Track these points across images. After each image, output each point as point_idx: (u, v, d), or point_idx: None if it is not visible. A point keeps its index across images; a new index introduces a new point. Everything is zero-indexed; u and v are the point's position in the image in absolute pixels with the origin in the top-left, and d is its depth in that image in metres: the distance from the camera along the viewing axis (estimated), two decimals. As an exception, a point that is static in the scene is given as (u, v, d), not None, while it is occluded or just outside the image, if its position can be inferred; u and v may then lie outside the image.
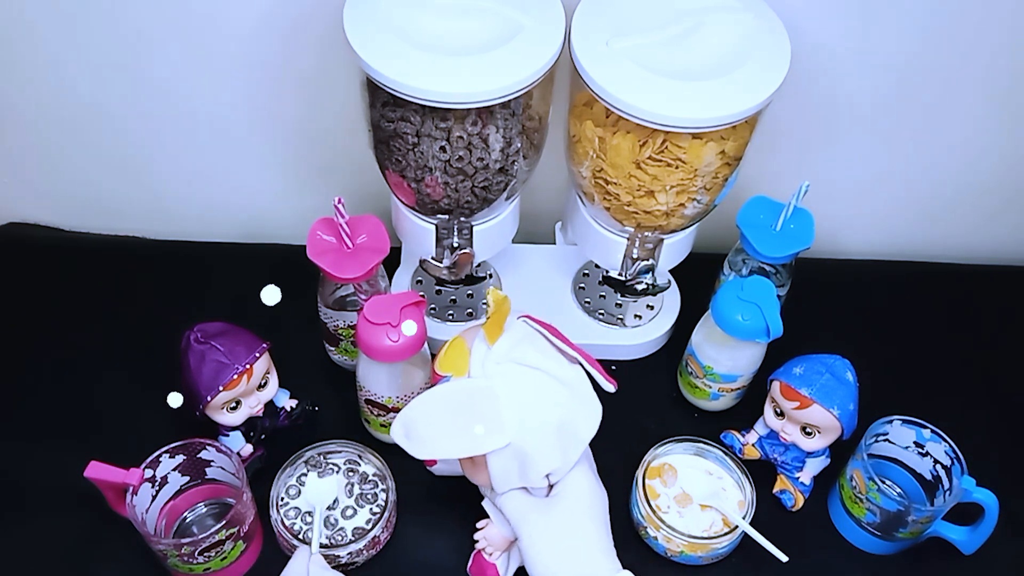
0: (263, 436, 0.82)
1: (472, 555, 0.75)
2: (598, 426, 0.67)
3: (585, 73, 0.70)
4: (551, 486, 0.69)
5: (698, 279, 0.95)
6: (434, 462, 0.76)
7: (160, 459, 0.74)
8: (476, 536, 0.73)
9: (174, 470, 0.76)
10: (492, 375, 0.66)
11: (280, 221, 1.02)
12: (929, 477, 0.81)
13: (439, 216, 0.80)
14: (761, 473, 0.83)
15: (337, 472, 0.78)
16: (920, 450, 0.80)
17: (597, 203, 0.80)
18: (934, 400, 0.85)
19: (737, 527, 0.76)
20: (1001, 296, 1.02)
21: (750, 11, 0.74)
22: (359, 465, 0.81)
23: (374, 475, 0.80)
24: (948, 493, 0.77)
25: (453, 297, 0.96)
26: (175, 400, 0.74)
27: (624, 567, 0.78)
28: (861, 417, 0.79)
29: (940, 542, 0.80)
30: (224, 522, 0.70)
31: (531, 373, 0.66)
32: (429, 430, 0.65)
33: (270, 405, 0.80)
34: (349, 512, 0.78)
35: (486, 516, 0.72)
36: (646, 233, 0.81)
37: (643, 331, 0.94)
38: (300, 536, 0.76)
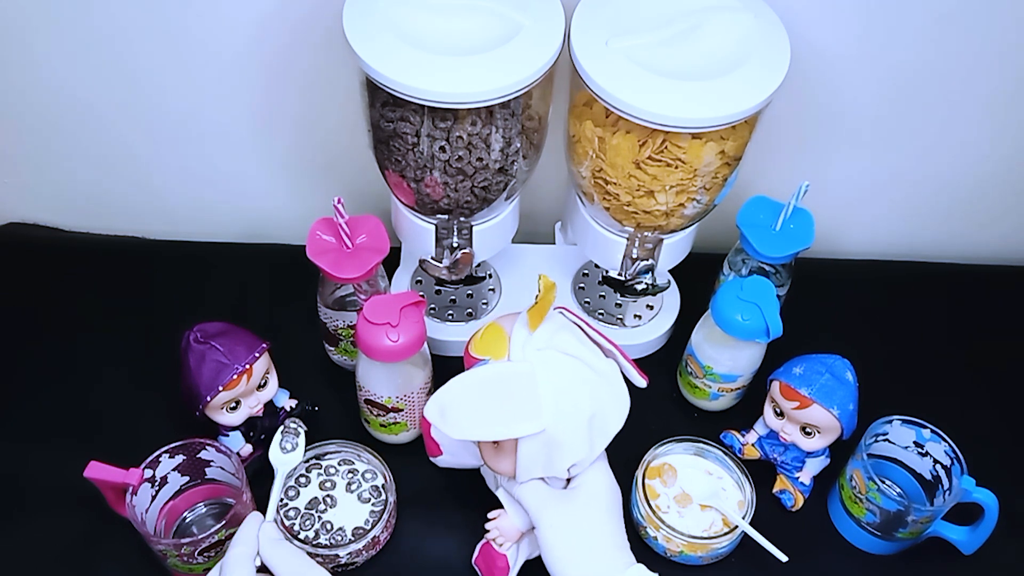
0: (263, 436, 0.82)
1: (479, 546, 0.75)
2: (625, 419, 0.68)
3: (585, 73, 0.70)
4: (569, 479, 0.69)
5: (698, 279, 0.95)
6: (439, 453, 0.76)
7: (160, 459, 0.73)
8: (488, 526, 0.73)
9: (174, 470, 0.75)
10: (533, 360, 0.65)
11: (280, 221, 1.02)
12: (929, 477, 0.81)
13: (439, 216, 0.80)
14: (761, 473, 0.83)
15: (294, 445, 0.74)
16: (920, 450, 0.80)
17: (597, 203, 0.80)
18: (934, 400, 0.85)
19: (737, 527, 0.76)
20: (1001, 296, 1.02)
21: (750, 11, 0.74)
22: (358, 465, 0.81)
23: (374, 475, 0.80)
24: (948, 493, 0.77)
25: (453, 297, 0.96)
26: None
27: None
28: (861, 417, 0.79)
29: (940, 542, 0.80)
30: (224, 522, 0.70)
31: (570, 362, 0.66)
32: (465, 411, 0.65)
33: (270, 405, 0.80)
34: (349, 512, 0.78)
35: (489, 511, 0.72)
36: (646, 233, 0.81)
37: (643, 331, 0.94)
38: (300, 537, 0.76)
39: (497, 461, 0.68)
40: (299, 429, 0.74)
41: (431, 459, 0.78)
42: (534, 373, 0.65)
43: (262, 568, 0.66)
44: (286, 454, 0.73)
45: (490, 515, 0.72)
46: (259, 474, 0.81)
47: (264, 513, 0.68)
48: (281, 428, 0.74)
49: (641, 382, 0.69)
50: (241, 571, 0.63)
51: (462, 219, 0.80)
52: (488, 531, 0.73)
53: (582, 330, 0.69)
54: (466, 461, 0.76)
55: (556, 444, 0.65)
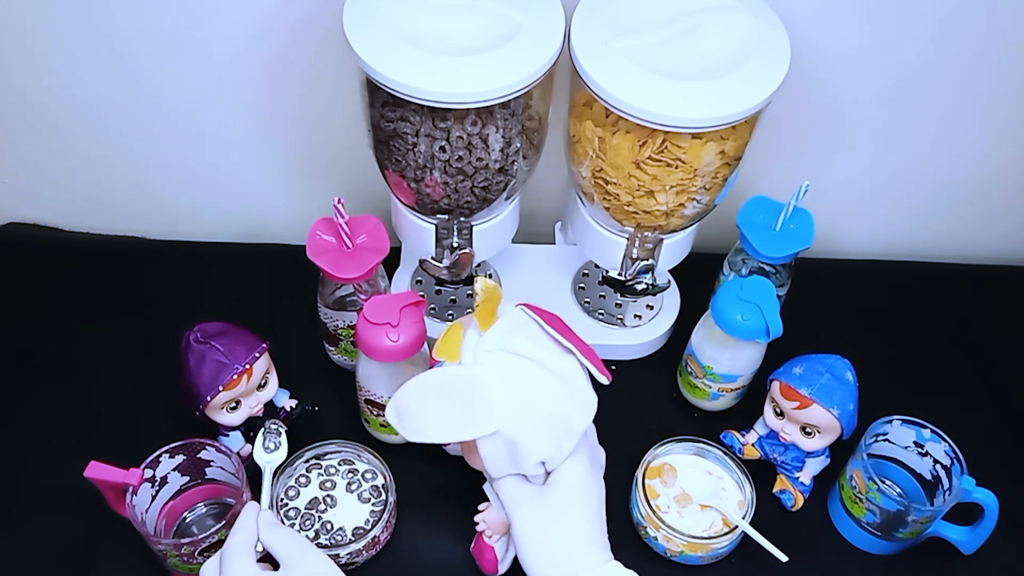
0: (263, 436, 0.82)
1: (475, 536, 0.75)
2: (592, 417, 0.67)
3: (585, 73, 0.70)
4: (548, 474, 0.69)
5: (698, 279, 0.95)
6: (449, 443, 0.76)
7: (160, 459, 0.74)
8: (476, 519, 0.73)
9: (174, 470, 0.76)
10: (482, 362, 0.66)
11: (280, 221, 1.02)
12: (929, 477, 0.81)
13: (439, 216, 0.80)
14: (761, 473, 0.83)
15: (277, 442, 0.76)
16: (920, 450, 0.80)
17: (597, 203, 0.80)
18: (934, 400, 0.85)
19: (737, 527, 0.76)
20: (1001, 296, 1.02)
21: (750, 11, 0.74)
22: (358, 465, 0.81)
23: (374, 475, 0.80)
24: (948, 493, 0.77)
25: (453, 297, 0.96)
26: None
27: (624, 566, 0.78)
28: (861, 417, 0.79)
29: (940, 542, 0.80)
30: (224, 522, 0.70)
31: (521, 362, 0.65)
32: (419, 414, 0.65)
33: (270, 405, 0.80)
34: (349, 512, 0.78)
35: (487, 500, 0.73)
36: (646, 233, 0.81)
37: (643, 331, 0.94)
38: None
39: (471, 458, 0.69)
40: (280, 429, 0.75)
41: (443, 448, 0.78)
42: (483, 375, 0.65)
43: (263, 558, 0.66)
44: (270, 453, 0.74)
45: (479, 508, 0.73)
46: (259, 474, 0.81)
47: None
48: (262, 429, 0.75)
49: (603, 379, 0.67)
50: (241, 559, 0.63)
51: (462, 219, 0.80)
52: (477, 523, 0.73)
53: (541, 327, 0.68)
54: None
55: (514, 444, 0.65)
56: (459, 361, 0.67)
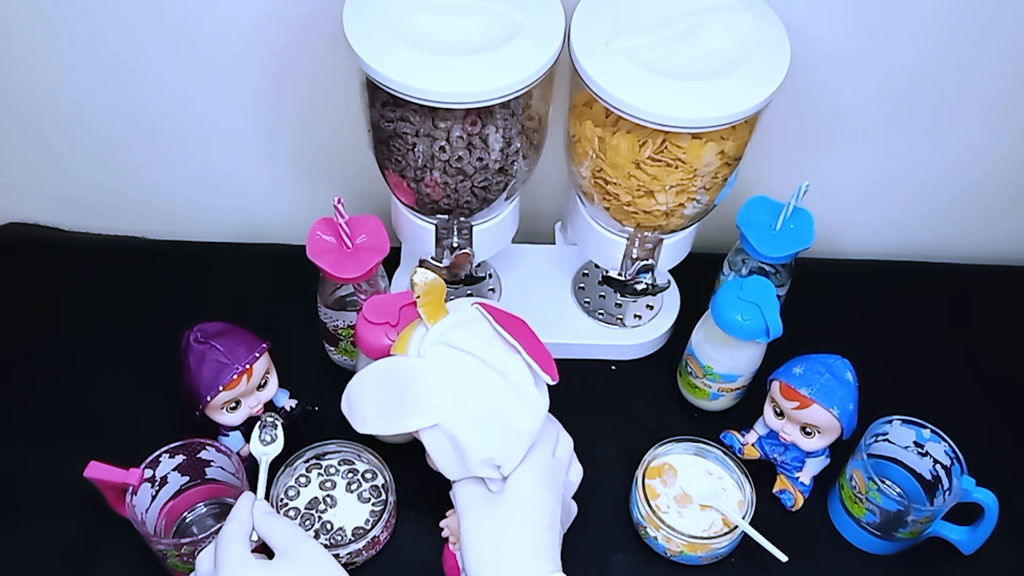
0: (263, 436, 0.82)
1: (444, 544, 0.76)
2: (540, 420, 0.66)
3: (585, 73, 0.70)
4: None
5: (698, 279, 0.95)
6: None
7: (160, 459, 0.74)
8: (440, 524, 0.73)
9: (174, 470, 0.76)
10: (425, 355, 0.66)
11: (280, 221, 1.02)
12: (929, 477, 0.81)
13: (439, 216, 0.80)
14: (761, 473, 0.83)
15: (271, 435, 0.76)
16: (920, 450, 0.80)
17: (597, 203, 0.80)
18: (934, 400, 0.85)
19: (737, 527, 0.76)
20: (1001, 296, 1.02)
21: (750, 11, 0.74)
22: (358, 465, 0.81)
23: (374, 475, 0.80)
24: (948, 493, 0.77)
25: (453, 297, 0.95)
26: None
27: (623, 567, 0.79)
28: (861, 417, 0.79)
29: (940, 542, 0.80)
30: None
31: (464, 357, 0.65)
32: (366, 404, 0.66)
33: (270, 405, 0.80)
34: (349, 512, 0.78)
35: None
36: (646, 233, 0.81)
37: (643, 331, 0.94)
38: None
39: (428, 459, 0.69)
40: (276, 421, 0.75)
41: None
42: (424, 368, 0.65)
43: (259, 548, 0.65)
44: (266, 446, 0.74)
45: (447, 514, 0.73)
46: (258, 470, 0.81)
47: None
48: (259, 422, 0.75)
49: (547, 379, 0.66)
50: (235, 547, 0.62)
51: (462, 219, 0.80)
52: (441, 530, 0.73)
53: (491, 325, 0.67)
54: None
55: (455, 439, 0.65)
56: (405, 353, 0.67)
